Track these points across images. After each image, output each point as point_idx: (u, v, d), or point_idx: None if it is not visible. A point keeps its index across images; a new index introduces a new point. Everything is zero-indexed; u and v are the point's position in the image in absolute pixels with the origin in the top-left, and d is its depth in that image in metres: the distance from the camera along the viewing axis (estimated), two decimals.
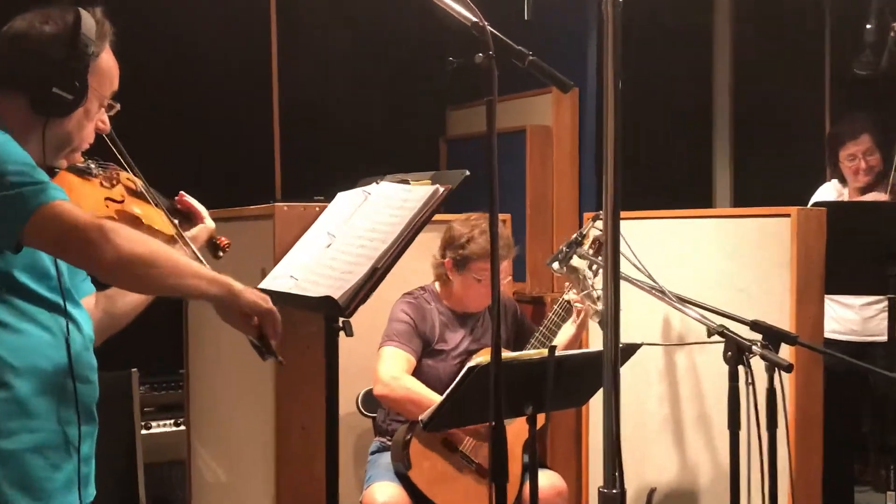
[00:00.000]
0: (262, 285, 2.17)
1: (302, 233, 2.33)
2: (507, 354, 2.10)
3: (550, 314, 2.75)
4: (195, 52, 3.98)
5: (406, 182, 2.10)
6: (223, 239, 2.08)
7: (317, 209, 2.46)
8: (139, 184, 1.86)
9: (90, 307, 1.77)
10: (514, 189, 4.08)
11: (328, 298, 1.89)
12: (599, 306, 2.56)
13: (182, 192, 2.02)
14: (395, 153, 4.46)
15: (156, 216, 1.85)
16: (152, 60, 3.72)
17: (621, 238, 1.35)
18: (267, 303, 1.60)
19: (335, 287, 1.93)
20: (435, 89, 4.54)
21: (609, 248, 1.32)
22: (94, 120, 1.67)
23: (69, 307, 1.60)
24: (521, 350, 2.69)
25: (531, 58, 1.64)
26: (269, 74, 4.24)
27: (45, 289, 1.58)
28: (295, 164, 4.30)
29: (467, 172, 1.94)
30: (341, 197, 2.35)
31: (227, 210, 2.78)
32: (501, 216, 2.90)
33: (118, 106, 1.72)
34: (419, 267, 2.91)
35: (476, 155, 4.39)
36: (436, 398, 2.50)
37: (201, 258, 1.84)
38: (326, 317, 1.96)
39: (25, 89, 1.59)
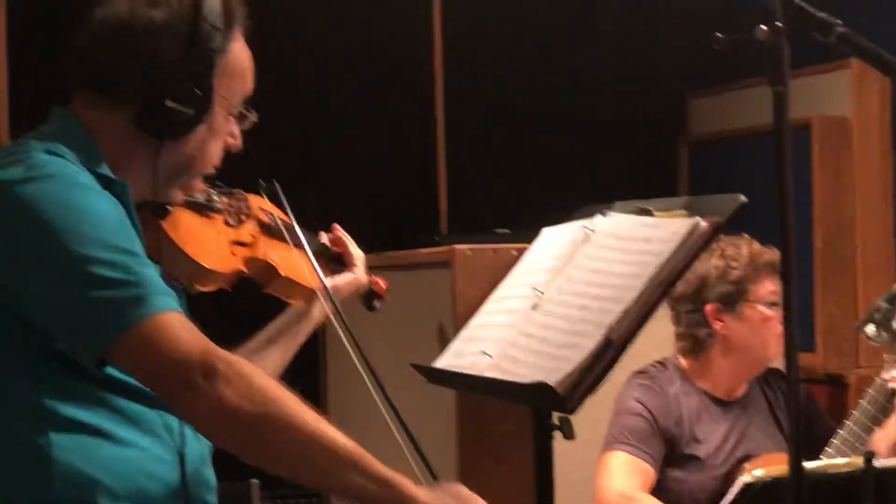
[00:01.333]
0: (442, 364, 2.17)
1: (492, 285, 2.34)
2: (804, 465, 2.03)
3: (862, 402, 2.59)
4: (335, 44, 4.16)
5: (647, 212, 2.08)
6: (381, 284, 2.12)
7: (513, 252, 2.43)
8: (276, 215, 1.93)
9: None
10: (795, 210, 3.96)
11: (540, 385, 1.86)
12: None
13: (336, 226, 2.08)
14: (614, 163, 4.39)
15: (298, 263, 1.90)
16: (280, 56, 3.85)
17: None
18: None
19: (549, 368, 1.90)
20: (670, 73, 4.48)
21: None
22: (221, 136, 1.70)
23: None
24: (816, 455, 2.55)
25: (841, 30, 1.58)
26: (430, 66, 4.33)
27: (152, 405, 1.60)
28: (465, 183, 4.34)
29: (743, 198, 1.87)
30: (548, 235, 2.31)
31: (384, 255, 2.80)
32: (770, 252, 2.81)
33: (254, 116, 1.73)
34: (658, 333, 2.79)
35: (727, 161, 4.31)
36: None
37: (343, 318, 1.87)
38: (536, 411, 1.96)
39: (129, 102, 1.61)
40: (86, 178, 1.55)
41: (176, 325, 1.48)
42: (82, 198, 1.52)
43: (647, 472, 2.66)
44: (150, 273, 1.51)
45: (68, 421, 1.53)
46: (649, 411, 2.70)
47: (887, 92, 3.94)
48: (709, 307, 2.74)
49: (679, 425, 2.72)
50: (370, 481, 1.50)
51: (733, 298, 2.73)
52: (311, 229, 2.05)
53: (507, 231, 3.20)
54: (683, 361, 2.81)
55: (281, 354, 2.00)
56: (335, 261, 2.05)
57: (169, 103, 1.61)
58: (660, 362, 2.83)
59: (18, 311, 1.51)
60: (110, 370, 1.55)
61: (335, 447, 1.49)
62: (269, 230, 1.90)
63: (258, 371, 1.51)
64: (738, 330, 2.73)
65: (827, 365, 3.85)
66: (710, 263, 2.75)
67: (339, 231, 2.08)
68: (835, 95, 3.98)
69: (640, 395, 2.73)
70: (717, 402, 2.78)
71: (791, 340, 1.52)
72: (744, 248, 2.74)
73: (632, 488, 2.63)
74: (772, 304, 2.71)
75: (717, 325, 2.74)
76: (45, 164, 1.53)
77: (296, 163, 3.90)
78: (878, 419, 2.62)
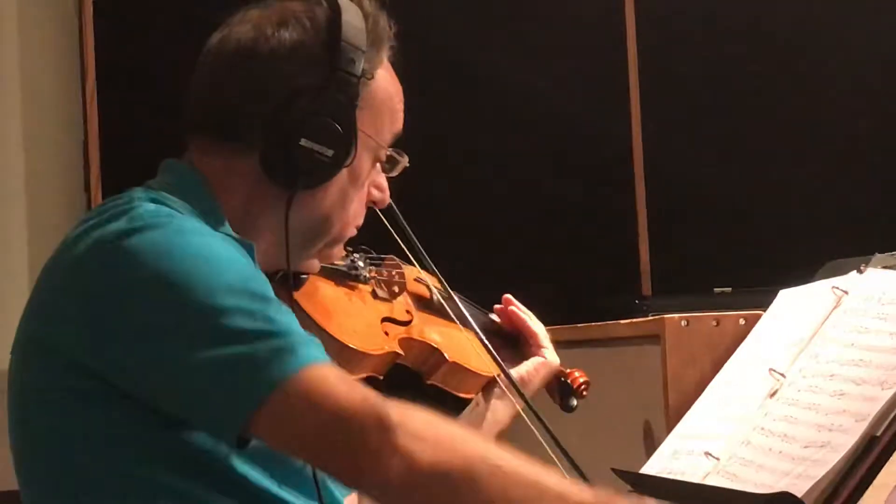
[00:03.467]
0: (652, 469, 2.14)
1: (715, 365, 2.30)
2: None
3: None
4: (499, 83, 4.25)
5: None
6: (578, 375, 2.08)
7: (740, 322, 2.40)
8: (435, 289, 1.91)
9: None
10: None
11: (783, 496, 1.82)
12: None
13: (509, 297, 2.05)
14: (873, 197, 4.29)
15: (467, 346, 1.89)
16: (436, 90, 3.96)
17: None
18: None
19: (794, 474, 1.86)
20: None
21: None
22: (365, 187, 1.73)
23: None
24: None
25: None
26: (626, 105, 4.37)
27: (282, 486, 1.62)
28: (669, 227, 4.34)
29: None
30: (786, 299, 2.28)
31: (575, 328, 2.77)
32: None
33: (405, 160, 1.77)
34: None
35: None
36: None
37: (539, 417, 1.84)
38: None
39: (254, 145, 1.65)
40: (201, 225, 1.59)
41: (332, 377, 1.49)
42: (200, 242, 1.55)
43: None
44: (293, 320, 1.54)
45: None
46: None
47: None
48: None
49: None
50: None
51: None
52: (479, 304, 2.02)
53: (727, 289, 3.11)
54: None
55: None
56: (511, 343, 2.01)
57: (303, 142, 1.63)
58: None
59: (128, 392, 1.53)
60: (234, 462, 1.57)
61: (535, 479, 1.51)
62: (428, 305, 1.88)
63: (434, 414, 1.52)
64: None
65: None
66: None
67: (514, 302, 2.03)
68: None
69: None
70: None
71: None
72: None
73: None
74: None
75: None
76: (153, 213, 1.58)
77: (454, 221, 3.97)
78: None
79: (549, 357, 2.08)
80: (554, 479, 1.53)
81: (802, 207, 4.33)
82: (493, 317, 2.08)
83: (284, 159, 1.64)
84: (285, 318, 1.52)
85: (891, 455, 1.82)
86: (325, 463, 1.51)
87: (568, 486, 1.53)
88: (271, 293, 1.55)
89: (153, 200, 1.60)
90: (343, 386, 1.48)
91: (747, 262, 3.27)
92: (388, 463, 1.44)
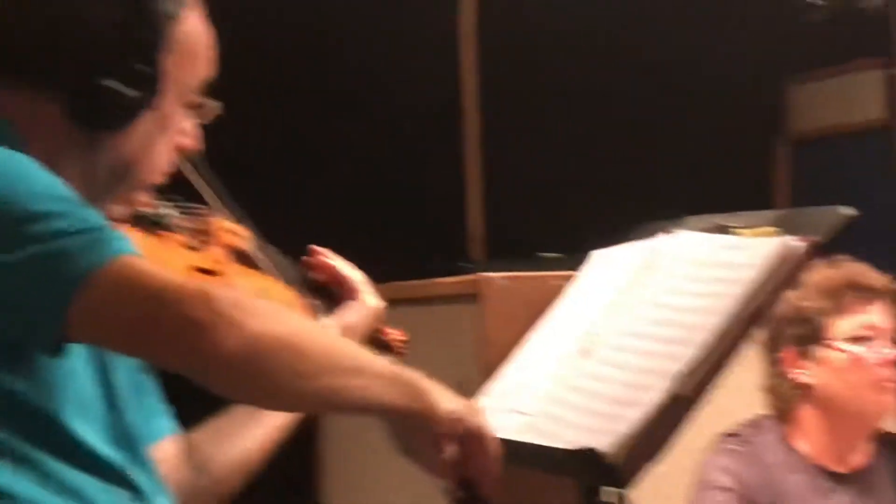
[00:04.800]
0: None
1: (531, 324, 2.33)
2: None
3: None
4: (333, 26, 4.18)
5: (727, 230, 2.08)
6: (394, 332, 2.08)
7: (558, 282, 2.41)
8: (248, 240, 1.90)
9: (169, 462, 1.78)
10: None
11: (587, 452, 1.86)
12: None
13: (316, 248, 2.04)
14: (695, 169, 4.39)
15: (280, 298, 1.87)
16: (266, 43, 3.91)
17: None
18: (478, 418, 1.58)
19: (600, 430, 1.90)
20: (762, 58, 4.46)
21: None
22: (172, 132, 1.68)
23: (133, 471, 1.59)
24: None
25: None
26: (454, 50, 4.38)
27: (94, 437, 1.57)
28: (505, 194, 4.36)
29: (849, 211, 1.87)
30: (601, 260, 2.32)
31: (394, 285, 2.74)
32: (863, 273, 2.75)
33: (217, 107, 1.71)
34: (751, 382, 2.79)
35: (834, 163, 4.26)
36: None
37: None
38: (584, 485, 1.94)
39: (56, 84, 1.60)
40: (20, 160, 1.56)
41: (149, 265, 1.47)
42: (4, 155, 1.53)
43: None
44: (101, 217, 1.52)
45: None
46: (741, 485, 2.67)
47: None
48: (784, 353, 2.69)
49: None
50: (393, 385, 1.52)
51: (808, 339, 2.67)
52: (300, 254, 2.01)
53: (554, 255, 3.15)
54: (781, 425, 2.75)
55: (264, 431, 1.91)
56: (327, 293, 2.00)
57: (105, 82, 1.60)
58: (754, 422, 2.77)
59: None
60: (57, 413, 1.53)
61: (354, 353, 1.54)
62: (240, 256, 1.86)
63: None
64: (822, 379, 2.67)
65: None
66: (804, 295, 2.74)
67: (321, 251, 2.01)
68: None
69: (730, 465, 2.71)
70: (829, 474, 2.71)
71: None
72: (820, 272, 2.69)
73: None
74: (861, 341, 2.63)
75: (797, 376, 2.66)
76: None
77: (282, 178, 3.95)
78: None
79: (368, 301, 2.05)
80: (380, 362, 1.55)
81: (630, 173, 4.42)
82: (313, 272, 2.06)
83: (86, 100, 1.61)
84: (96, 216, 1.50)
85: (693, 412, 1.87)
86: (154, 347, 1.48)
87: (383, 361, 1.56)
88: (82, 203, 1.53)
89: None
90: (161, 271, 1.47)
91: (577, 228, 3.30)
92: (223, 333, 1.43)
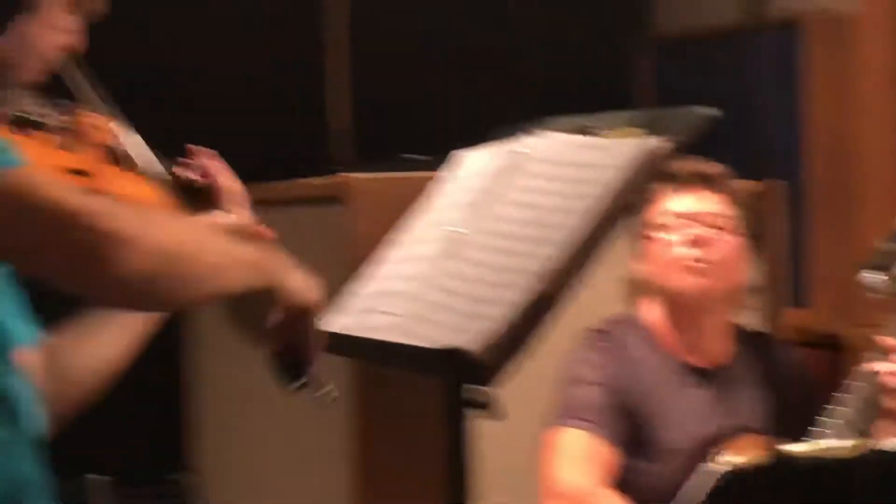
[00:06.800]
0: (333, 327, 2.12)
1: (395, 225, 2.35)
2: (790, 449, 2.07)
3: (846, 397, 2.58)
4: None
5: (590, 131, 2.09)
6: (263, 229, 2.08)
7: (425, 183, 2.42)
8: (123, 138, 1.88)
9: (33, 368, 1.75)
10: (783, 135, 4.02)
11: (454, 351, 1.89)
12: None
13: (196, 148, 2.01)
14: (549, 72, 4.43)
15: (151, 196, 1.86)
16: None
17: None
18: (311, 295, 1.69)
19: (465, 329, 1.93)
20: None
21: None
22: (52, 31, 1.66)
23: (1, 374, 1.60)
24: (804, 438, 2.56)
25: None
26: None
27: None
28: (371, 97, 4.34)
29: (710, 112, 1.91)
30: (466, 161, 2.33)
31: (260, 186, 2.81)
32: (754, 186, 2.79)
33: (103, 4, 1.71)
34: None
35: (698, 65, 4.32)
36: None
37: None
38: (451, 384, 1.95)
39: None
40: None
41: (39, 175, 1.49)
42: None
43: (608, 455, 2.65)
44: None
45: None
46: (608, 378, 2.70)
47: None
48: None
49: (645, 400, 2.70)
50: (253, 271, 1.64)
51: (636, 234, 2.75)
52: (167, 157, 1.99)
53: (419, 157, 3.16)
54: (645, 316, 2.78)
55: (121, 336, 1.90)
56: (204, 198, 1.98)
57: None
58: (619, 318, 2.82)
59: None
60: None
61: (224, 248, 1.63)
62: (114, 156, 1.84)
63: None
64: (647, 271, 2.76)
65: (825, 324, 3.87)
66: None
67: (204, 154, 1.98)
68: None
69: (597, 360, 2.74)
70: (691, 370, 2.76)
71: None
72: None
73: (590, 479, 2.60)
74: (665, 228, 2.69)
75: (634, 272, 2.78)
76: None
77: (148, 76, 3.89)
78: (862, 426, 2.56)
79: (243, 214, 2.03)
80: (240, 249, 1.66)
81: (491, 74, 4.44)
82: (187, 173, 2.03)
83: None
84: None
85: (553, 308, 1.91)
86: (50, 267, 1.49)
87: (250, 249, 1.68)
88: None
89: None
90: (54, 186, 1.48)
91: (440, 131, 3.30)
92: (122, 255, 1.45)
